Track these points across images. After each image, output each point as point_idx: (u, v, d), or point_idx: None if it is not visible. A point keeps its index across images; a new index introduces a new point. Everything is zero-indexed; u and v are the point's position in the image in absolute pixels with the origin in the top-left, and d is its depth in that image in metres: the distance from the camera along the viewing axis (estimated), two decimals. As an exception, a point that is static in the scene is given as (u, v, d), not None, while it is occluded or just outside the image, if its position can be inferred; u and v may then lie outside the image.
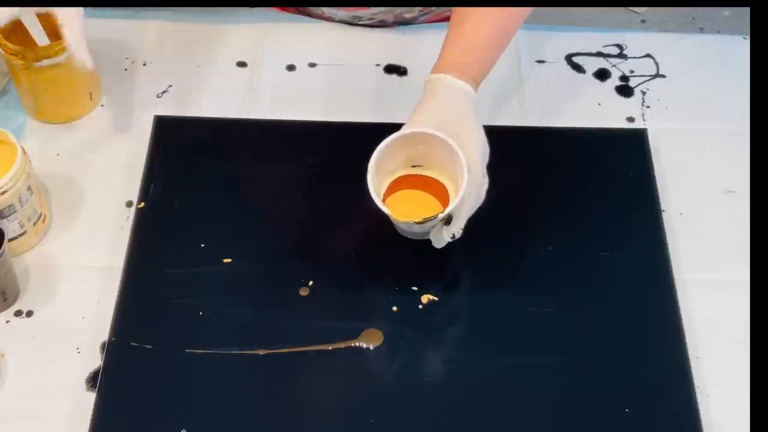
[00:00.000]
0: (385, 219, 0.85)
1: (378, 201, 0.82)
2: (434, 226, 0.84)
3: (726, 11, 2.13)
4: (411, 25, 1.12)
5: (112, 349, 0.85)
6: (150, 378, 0.84)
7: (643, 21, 2.16)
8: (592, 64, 1.09)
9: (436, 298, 0.89)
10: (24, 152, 0.88)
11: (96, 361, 0.85)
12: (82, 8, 0.91)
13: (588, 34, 1.12)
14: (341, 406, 0.83)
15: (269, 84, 1.06)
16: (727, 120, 1.04)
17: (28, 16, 0.94)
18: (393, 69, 1.08)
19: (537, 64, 1.09)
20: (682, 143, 1.02)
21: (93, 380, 0.84)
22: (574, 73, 1.08)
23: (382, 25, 1.12)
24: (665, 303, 0.89)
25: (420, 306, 0.89)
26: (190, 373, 0.84)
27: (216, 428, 0.81)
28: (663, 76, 1.08)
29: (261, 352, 0.85)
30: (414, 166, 0.88)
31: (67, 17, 0.90)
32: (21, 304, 0.89)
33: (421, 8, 1.11)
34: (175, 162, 0.98)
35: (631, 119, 1.04)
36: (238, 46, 1.10)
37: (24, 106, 1.03)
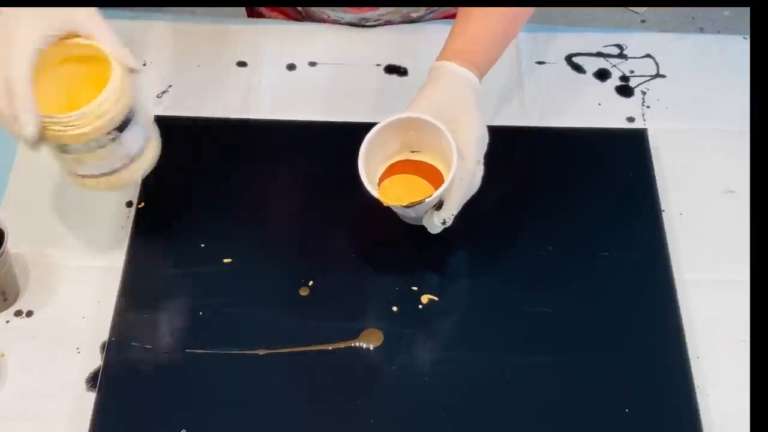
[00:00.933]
0: (385, 214, 0.85)
1: (367, 184, 0.83)
2: (426, 211, 0.84)
3: (726, 11, 2.13)
4: (411, 25, 1.12)
5: (112, 349, 0.85)
6: (150, 378, 0.84)
7: (643, 21, 2.16)
8: (592, 65, 1.09)
9: (436, 298, 0.89)
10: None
11: (96, 361, 0.85)
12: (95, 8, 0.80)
13: (588, 35, 1.12)
14: (341, 406, 0.83)
15: (269, 84, 1.06)
16: (727, 120, 1.04)
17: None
18: (393, 69, 1.08)
19: (537, 64, 1.09)
20: (682, 143, 1.02)
21: (93, 380, 0.84)
22: (574, 73, 1.08)
23: (388, 24, 1.12)
24: (665, 303, 0.89)
25: (420, 306, 0.89)
26: (190, 373, 0.84)
27: (216, 428, 0.82)
28: (663, 76, 1.08)
29: (261, 352, 0.86)
30: (414, 152, 0.88)
31: (94, 27, 0.79)
32: (21, 304, 0.89)
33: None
34: (175, 162, 0.98)
35: (631, 119, 1.04)
36: (238, 46, 1.10)
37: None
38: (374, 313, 0.88)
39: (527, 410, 0.83)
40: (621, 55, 1.10)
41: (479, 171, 0.84)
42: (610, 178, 0.98)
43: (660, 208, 0.95)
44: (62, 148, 0.79)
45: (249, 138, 1.01)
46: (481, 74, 0.88)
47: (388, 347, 0.86)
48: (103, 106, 0.77)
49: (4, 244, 0.84)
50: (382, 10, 1.09)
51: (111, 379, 0.84)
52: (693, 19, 2.15)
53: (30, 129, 0.74)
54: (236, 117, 1.03)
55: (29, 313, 0.89)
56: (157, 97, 1.05)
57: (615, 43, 1.11)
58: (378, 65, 1.08)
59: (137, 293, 0.89)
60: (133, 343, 0.86)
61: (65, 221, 0.95)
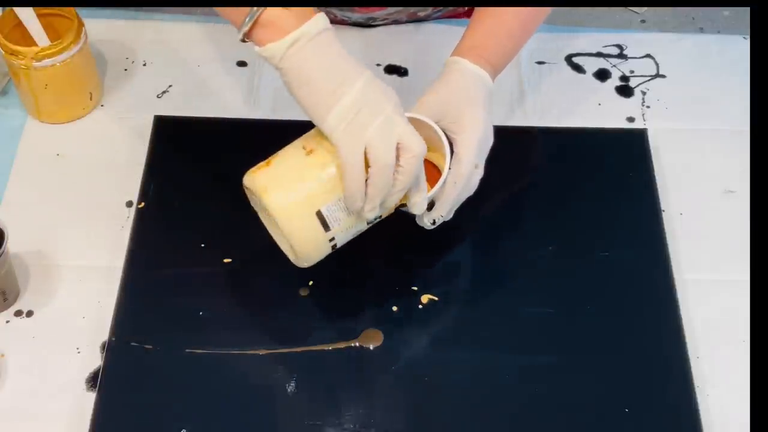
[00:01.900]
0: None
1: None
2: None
3: (726, 11, 2.13)
4: (412, 25, 1.12)
5: (112, 349, 0.85)
6: (150, 378, 0.84)
7: (643, 21, 2.16)
8: (592, 65, 1.09)
9: (436, 298, 0.89)
10: None
11: (96, 361, 0.85)
12: None
13: (588, 35, 1.12)
14: (341, 406, 0.83)
15: (269, 84, 1.06)
16: (727, 120, 1.04)
17: (28, 16, 0.94)
18: (393, 69, 1.08)
19: (537, 65, 1.09)
20: (682, 143, 1.02)
21: (93, 380, 0.84)
22: (574, 73, 1.08)
23: (396, 23, 1.11)
24: (665, 303, 0.89)
25: (420, 306, 0.89)
26: (190, 373, 0.84)
27: (216, 428, 0.81)
28: (663, 76, 1.08)
29: (261, 352, 0.85)
30: None
31: None
32: (21, 304, 0.89)
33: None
34: (175, 162, 0.98)
35: (631, 119, 1.04)
36: (238, 46, 1.09)
37: (24, 106, 1.03)
38: (374, 313, 0.88)
39: (527, 410, 0.83)
40: (621, 55, 1.10)
41: (477, 174, 0.82)
42: (609, 178, 0.98)
43: (660, 208, 0.95)
44: None
45: (249, 138, 1.01)
46: (494, 71, 0.86)
47: (388, 347, 0.86)
48: None
49: (4, 244, 0.84)
50: (390, 9, 1.09)
51: (111, 379, 0.83)
52: (693, 19, 2.14)
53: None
54: (236, 117, 1.03)
55: (29, 313, 0.89)
56: (157, 97, 1.05)
57: (615, 43, 1.11)
58: (378, 65, 1.08)
59: (137, 293, 0.89)
60: (133, 343, 0.86)
61: (65, 221, 0.95)
